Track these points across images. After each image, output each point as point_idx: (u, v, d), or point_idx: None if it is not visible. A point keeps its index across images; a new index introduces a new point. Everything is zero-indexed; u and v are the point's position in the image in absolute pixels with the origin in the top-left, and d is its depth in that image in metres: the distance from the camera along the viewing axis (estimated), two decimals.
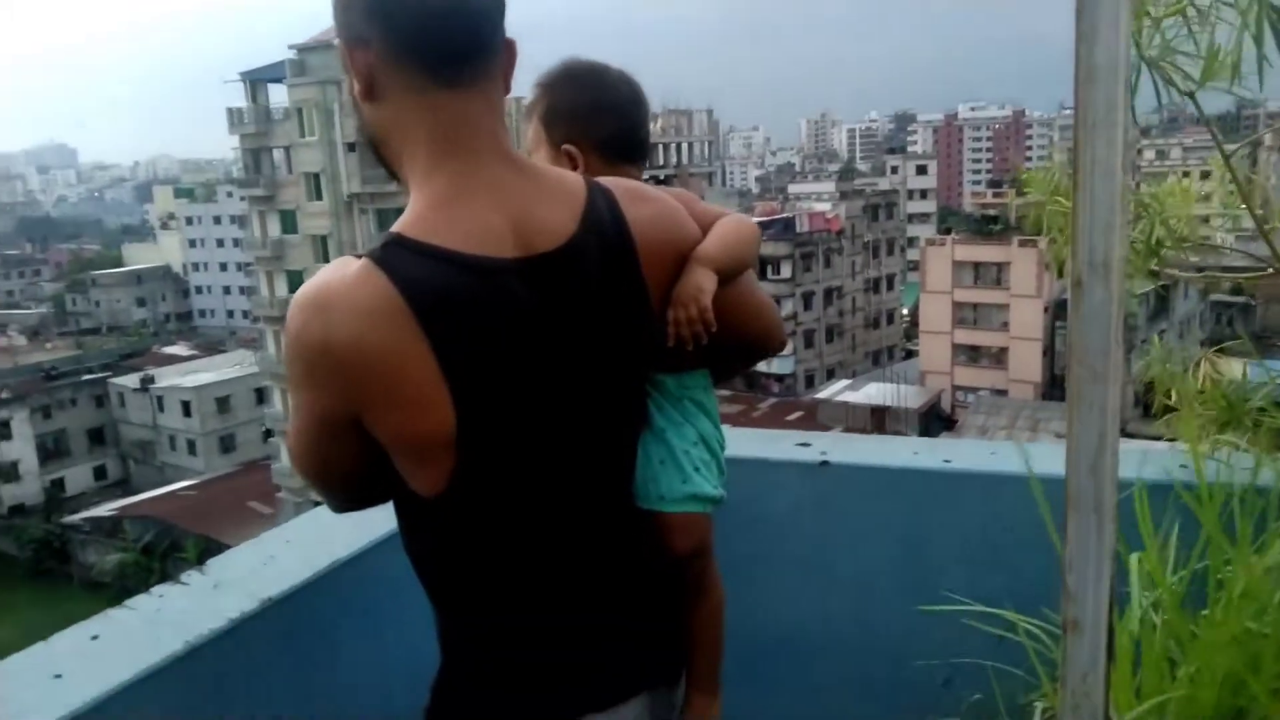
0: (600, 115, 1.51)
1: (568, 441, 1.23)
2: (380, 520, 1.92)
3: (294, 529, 2.00)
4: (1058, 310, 39.23)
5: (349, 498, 1.32)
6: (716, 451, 1.50)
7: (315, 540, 1.90)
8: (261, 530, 2.12)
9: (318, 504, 1.81)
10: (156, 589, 1.72)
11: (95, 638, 1.56)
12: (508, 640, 1.27)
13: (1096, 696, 0.97)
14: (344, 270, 1.11)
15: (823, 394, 41.49)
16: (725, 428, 1.59)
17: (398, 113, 1.19)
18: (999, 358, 42.42)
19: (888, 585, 2.14)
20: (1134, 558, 1.48)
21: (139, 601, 1.68)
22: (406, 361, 1.09)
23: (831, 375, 51.14)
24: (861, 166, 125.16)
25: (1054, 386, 38.46)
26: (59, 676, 1.44)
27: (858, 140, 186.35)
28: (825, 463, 2.16)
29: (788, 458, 2.20)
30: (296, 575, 1.73)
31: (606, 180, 1.29)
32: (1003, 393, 38.85)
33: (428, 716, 1.32)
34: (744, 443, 2.17)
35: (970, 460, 2.15)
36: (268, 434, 42.88)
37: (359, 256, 1.12)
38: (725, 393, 45.02)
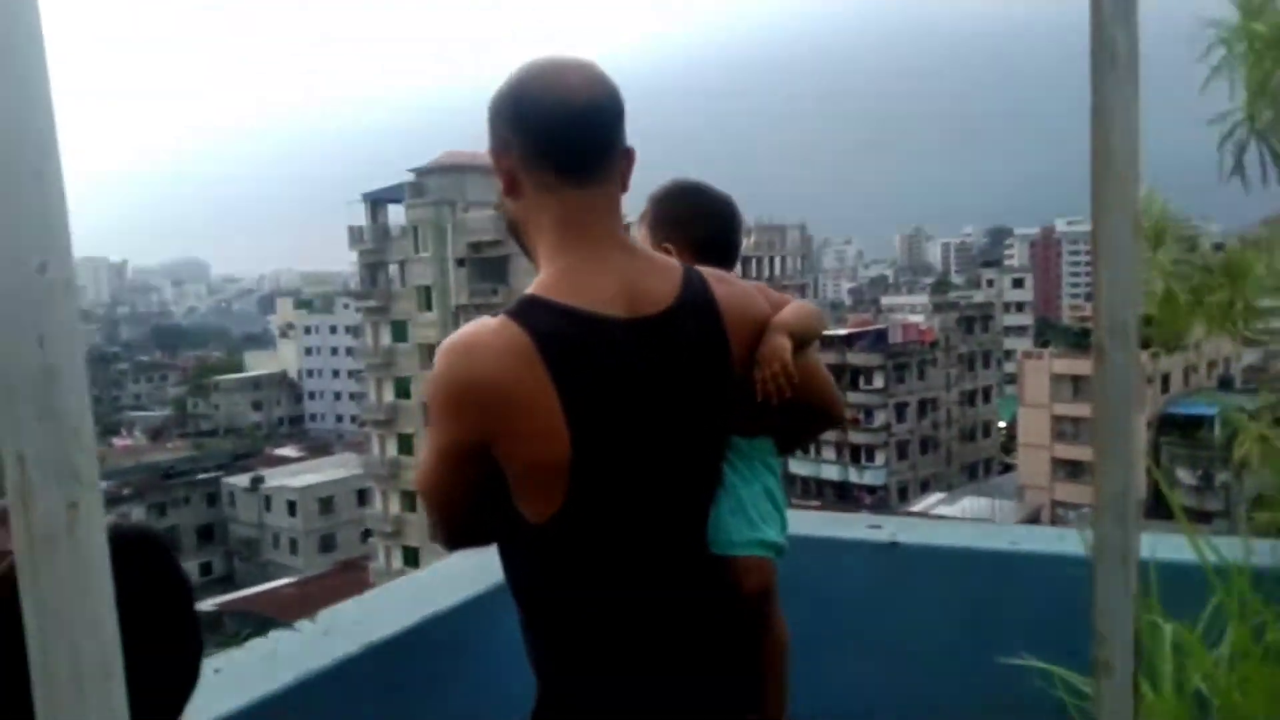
0: (696, 222, 1.77)
1: (661, 478, 1.40)
2: (470, 582, 2.07)
3: (395, 588, 2.17)
4: (1162, 425, 37.65)
5: (462, 527, 1.47)
6: (780, 506, 1.66)
7: (413, 597, 2.06)
8: None
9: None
10: (273, 634, 1.90)
11: (218, 670, 1.74)
12: (600, 668, 1.39)
13: None
14: (484, 323, 1.34)
15: (917, 507, 40.33)
16: (798, 511, 1.73)
17: (533, 205, 1.42)
18: None
19: (956, 664, 2.16)
20: (1168, 627, 1.52)
21: (256, 644, 1.86)
22: (535, 397, 1.28)
23: (925, 488, 49.77)
24: (956, 280, 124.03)
25: (1159, 503, 36.48)
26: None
27: (952, 254, 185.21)
28: (895, 544, 2.22)
29: (858, 538, 2.28)
30: (396, 625, 1.89)
31: (697, 267, 1.53)
32: None
33: None
34: (815, 523, 2.26)
35: (1037, 543, 2.19)
36: (366, 534, 43.82)
37: (495, 315, 1.35)
38: (815, 503, 44.22)
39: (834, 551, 2.25)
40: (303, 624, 1.94)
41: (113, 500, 47.32)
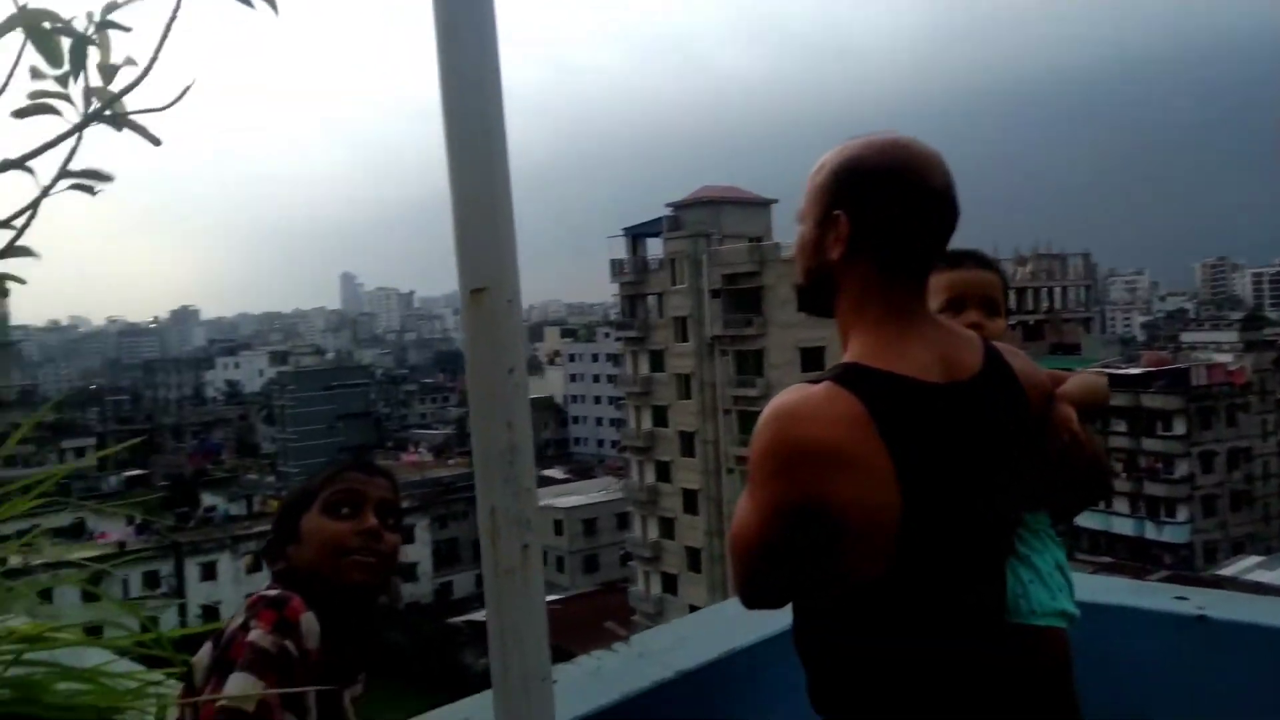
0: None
1: (980, 542, 1.45)
2: (771, 620, 2.24)
3: (700, 618, 2.39)
4: None
5: (769, 586, 1.51)
6: (1070, 580, 1.70)
7: (718, 629, 2.26)
8: None
9: None
10: (594, 653, 2.16)
11: (555, 681, 2.02)
12: None
13: None
14: (811, 390, 1.40)
15: (1228, 570, 36.05)
16: (1090, 576, 1.76)
17: (857, 277, 1.48)
18: None
19: None
20: None
21: (582, 660, 2.13)
22: (870, 460, 1.34)
23: (1239, 549, 44.36)
24: (1271, 314, 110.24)
25: None
26: None
27: (1265, 286, 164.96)
28: (1203, 617, 2.13)
29: (1160, 608, 2.19)
30: (703, 655, 2.09)
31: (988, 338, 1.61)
32: None
33: None
34: (1110, 590, 2.21)
35: None
36: (626, 558, 45.34)
37: (814, 383, 1.41)
38: (1106, 560, 40.52)
39: (1131, 622, 2.17)
40: (619, 646, 2.19)
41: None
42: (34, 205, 1.25)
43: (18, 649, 1.37)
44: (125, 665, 1.51)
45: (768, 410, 1.42)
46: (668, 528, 42.74)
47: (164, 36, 1.20)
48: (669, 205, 44.88)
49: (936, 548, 1.39)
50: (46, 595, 1.56)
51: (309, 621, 1.41)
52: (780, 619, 2.26)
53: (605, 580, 47.05)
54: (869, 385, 1.39)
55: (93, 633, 1.49)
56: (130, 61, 1.24)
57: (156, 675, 1.53)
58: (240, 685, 1.27)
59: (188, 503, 56.30)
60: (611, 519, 49.83)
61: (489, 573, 1.01)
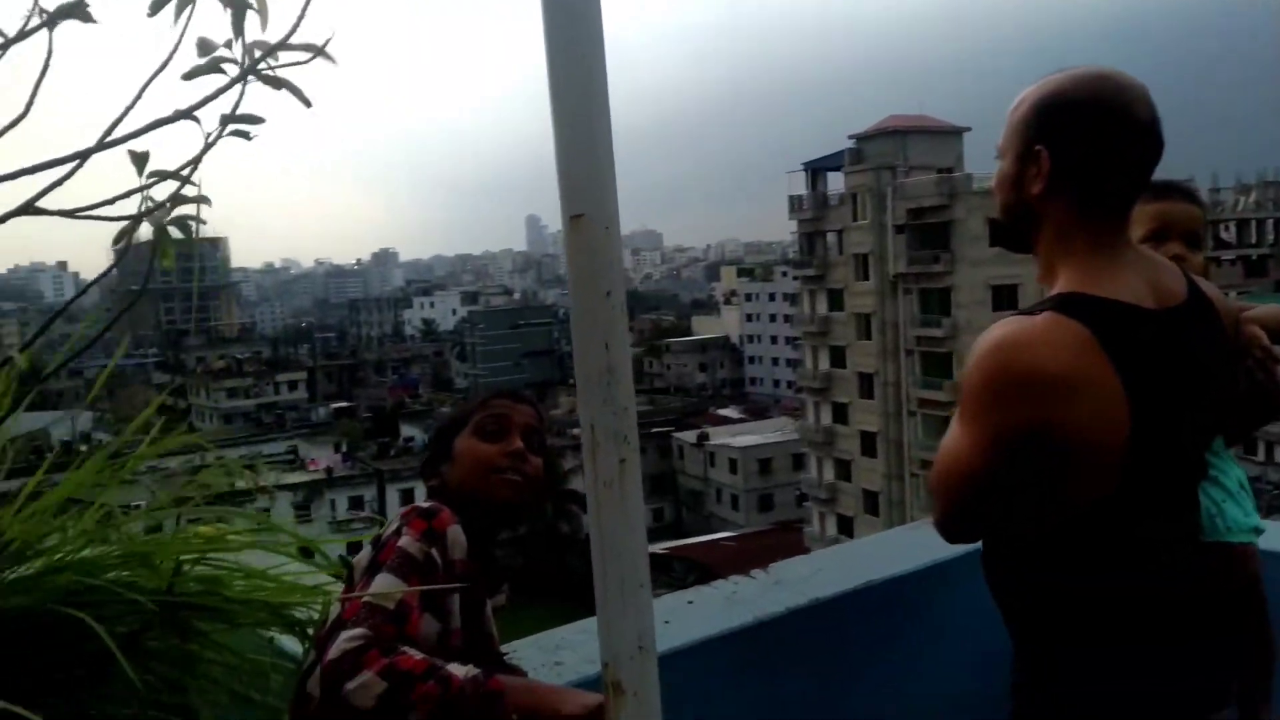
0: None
1: (1194, 461, 1.51)
2: (906, 558, 2.23)
3: (837, 552, 2.40)
4: None
5: (975, 517, 1.52)
6: (1251, 497, 1.76)
7: (854, 562, 2.27)
8: None
9: None
10: (733, 578, 2.22)
11: (690, 602, 2.10)
12: (1116, 639, 1.44)
13: None
14: (1032, 320, 1.42)
15: None
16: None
17: (1065, 209, 1.49)
18: None
19: None
20: None
21: (719, 585, 2.19)
22: (1102, 383, 1.37)
23: None
24: None
25: None
26: (668, 623, 1.97)
27: None
28: None
29: None
30: (840, 585, 2.11)
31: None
32: None
33: None
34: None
35: None
36: (801, 498, 45.29)
37: (1027, 314, 1.43)
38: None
39: None
40: (758, 573, 2.24)
41: (579, 448, 53.69)
42: (202, 153, 1.39)
43: (202, 549, 1.56)
44: (297, 568, 1.69)
45: (988, 341, 1.43)
46: (844, 470, 42.24)
47: None
48: (851, 137, 43.36)
49: (1158, 468, 1.42)
50: (266, 513, 1.76)
51: (455, 533, 1.52)
52: (918, 557, 2.25)
53: (780, 519, 47.18)
54: (1091, 311, 1.40)
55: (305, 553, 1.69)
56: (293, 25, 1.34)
57: (324, 577, 1.71)
58: (385, 584, 1.40)
59: (389, 433, 60.25)
60: (787, 459, 49.74)
61: (590, 486, 1.07)
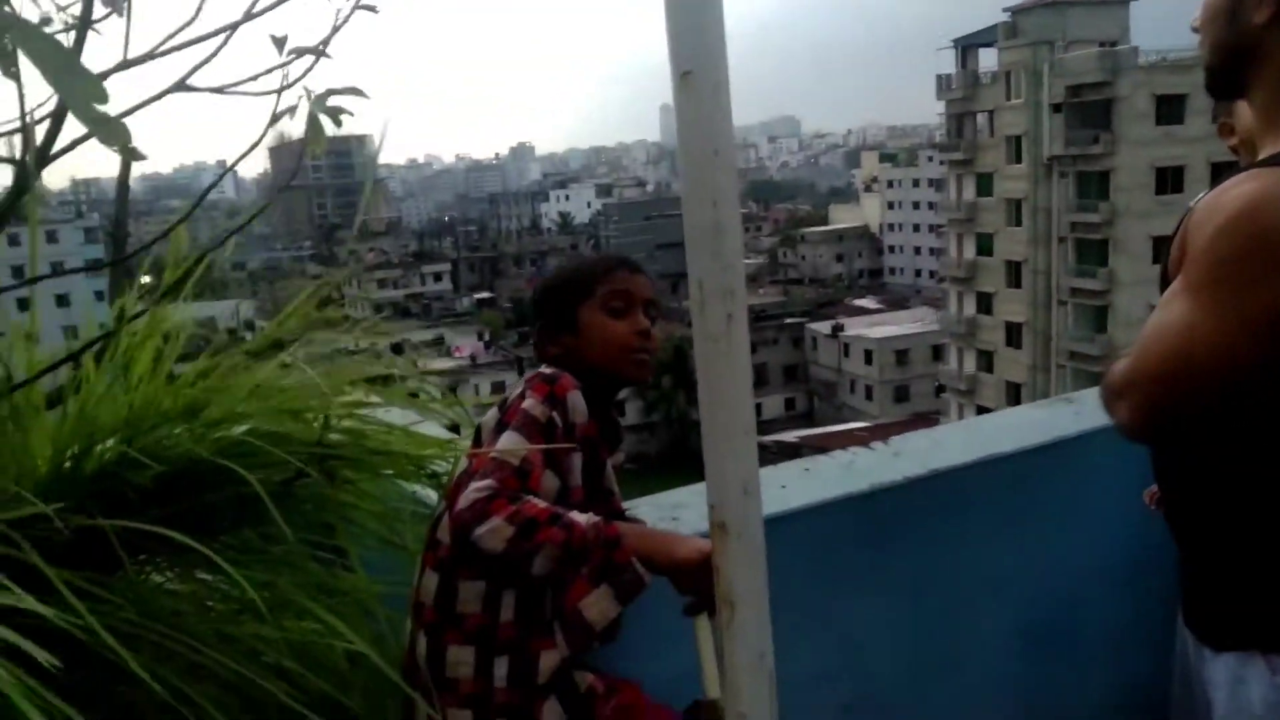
0: None
1: None
2: (1033, 433, 2.21)
3: (962, 426, 2.39)
4: None
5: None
6: None
7: (977, 437, 2.26)
8: None
9: None
10: (851, 449, 2.24)
11: (806, 470, 2.14)
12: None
13: None
14: (1272, 177, 1.22)
15: None
16: None
17: None
18: None
19: None
20: None
21: (837, 455, 2.22)
22: None
23: None
24: None
25: None
26: (784, 487, 2.02)
27: None
28: None
29: None
30: (959, 458, 2.11)
31: None
32: None
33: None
34: None
35: None
36: (939, 389, 44.36)
37: (1266, 168, 1.24)
38: None
39: None
40: (877, 444, 2.25)
41: None
42: (336, 29, 1.46)
43: (351, 405, 1.71)
44: (435, 429, 1.83)
45: (1235, 199, 1.22)
46: (986, 361, 40.96)
47: None
48: (1006, 10, 40.44)
49: None
50: (414, 396, 1.89)
51: (575, 399, 1.59)
52: (1043, 433, 2.23)
53: (916, 411, 46.42)
54: None
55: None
56: None
57: (456, 436, 1.84)
58: (510, 442, 1.49)
59: (528, 323, 61.95)
60: (925, 350, 48.54)
61: (699, 340, 1.11)
